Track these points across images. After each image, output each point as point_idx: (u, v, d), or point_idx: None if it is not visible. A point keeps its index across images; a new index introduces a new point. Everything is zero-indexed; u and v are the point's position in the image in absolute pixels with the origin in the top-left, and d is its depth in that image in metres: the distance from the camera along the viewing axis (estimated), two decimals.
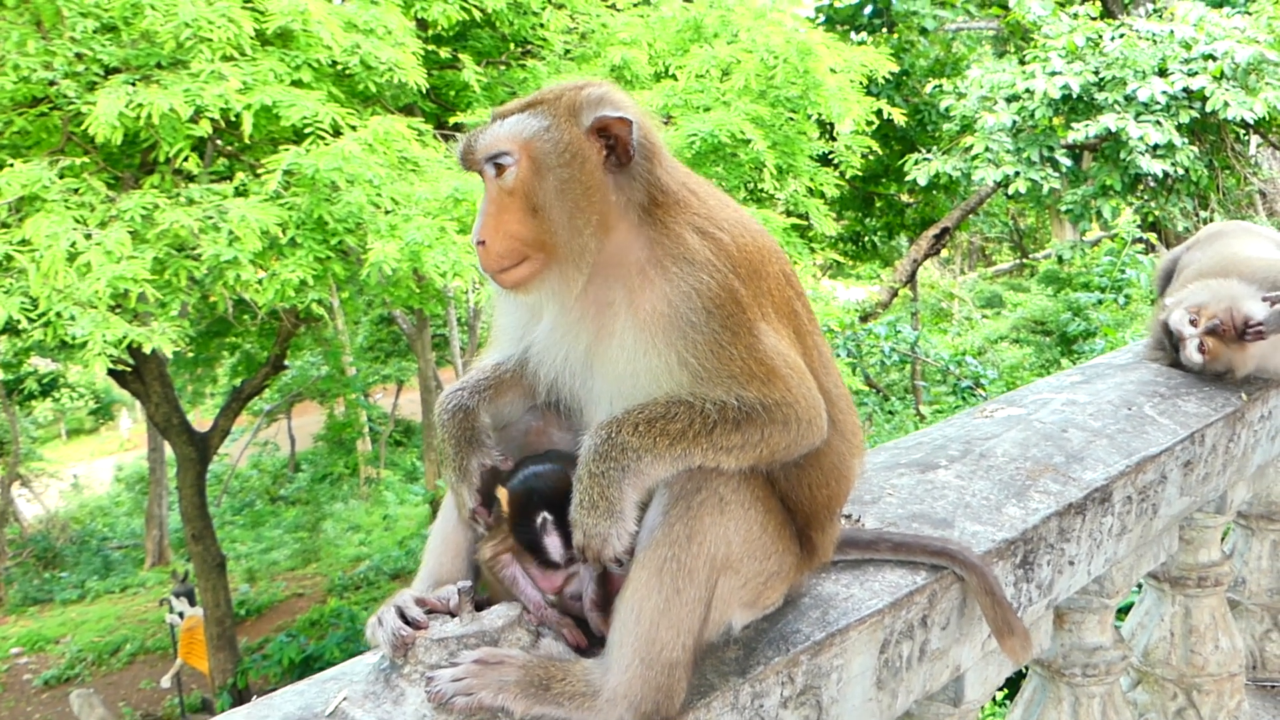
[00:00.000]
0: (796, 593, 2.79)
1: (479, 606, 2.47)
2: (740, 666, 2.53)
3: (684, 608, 2.34)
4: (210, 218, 10.67)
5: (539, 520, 2.43)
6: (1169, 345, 4.76)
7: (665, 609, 2.32)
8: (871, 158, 16.69)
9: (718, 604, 2.44)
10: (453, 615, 2.44)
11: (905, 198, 24.35)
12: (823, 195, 14.51)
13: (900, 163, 19.11)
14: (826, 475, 2.64)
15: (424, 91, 12.46)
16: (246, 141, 11.54)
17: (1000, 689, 5.70)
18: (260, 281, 10.87)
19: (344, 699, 2.33)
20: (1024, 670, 4.18)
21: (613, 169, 2.43)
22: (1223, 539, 4.92)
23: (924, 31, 22.56)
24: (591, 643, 2.48)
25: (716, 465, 2.38)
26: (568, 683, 2.32)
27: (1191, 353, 4.57)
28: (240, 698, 19.03)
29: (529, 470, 2.52)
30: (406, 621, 2.41)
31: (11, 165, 10.71)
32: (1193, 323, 4.58)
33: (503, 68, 14.25)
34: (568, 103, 2.43)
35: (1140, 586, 5.33)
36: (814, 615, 2.74)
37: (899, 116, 15.13)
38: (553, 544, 2.43)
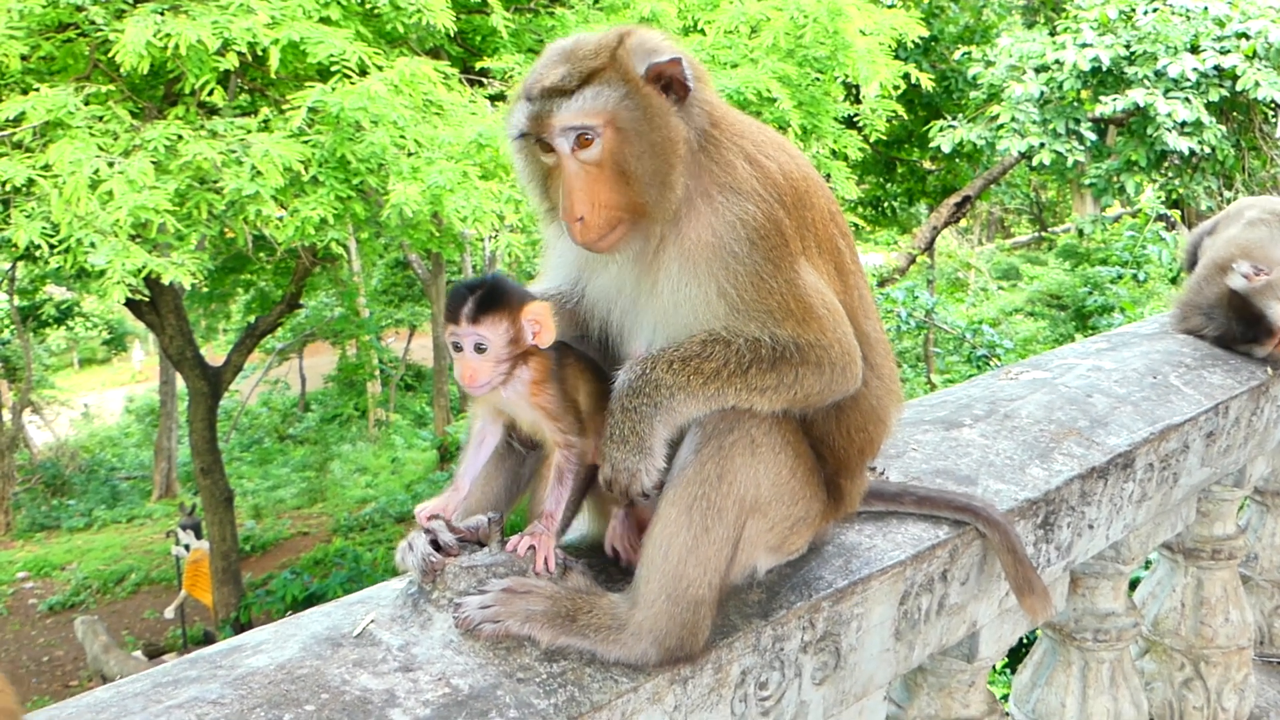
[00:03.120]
0: (821, 540, 2.80)
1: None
2: (763, 609, 2.55)
3: (712, 546, 2.36)
4: (233, 151, 10.66)
5: (474, 286, 2.44)
6: (1223, 315, 4.72)
7: (693, 547, 2.34)
8: (896, 122, 16.62)
9: (744, 546, 2.45)
10: (482, 544, 2.46)
11: (928, 164, 24.24)
12: (845, 158, 14.44)
13: (925, 129, 19.04)
14: (865, 419, 2.65)
15: (451, 35, 12.38)
16: (272, 77, 11.50)
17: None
18: (281, 218, 10.86)
19: (371, 621, 2.35)
20: (1027, 636, 4.20)
21: (674, 107, 2.41)
22: (1238, 513, 4.93)
23: None
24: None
25: (750, 406, 2.40)
26: (594, 615, 2.34)
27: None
28: (243, 632, 19.15)
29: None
30: (437, 548, 2.43)
31: (37, 90, 10.70)
32: None
33: (531, 14, 14.14)
34: (623, 61, 2.38)
35: (1148, 561, 5.35)
36: (837, 563, 2.76)
37: (926, 82, 15.03)
38: (475, 298, 2.40)
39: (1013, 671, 9.15)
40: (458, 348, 2.42)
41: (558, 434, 2.46)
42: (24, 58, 10.80)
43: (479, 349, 2.41)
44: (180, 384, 26.12)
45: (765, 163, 2.47)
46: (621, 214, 2.38)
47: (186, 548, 21.09)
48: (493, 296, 2.41)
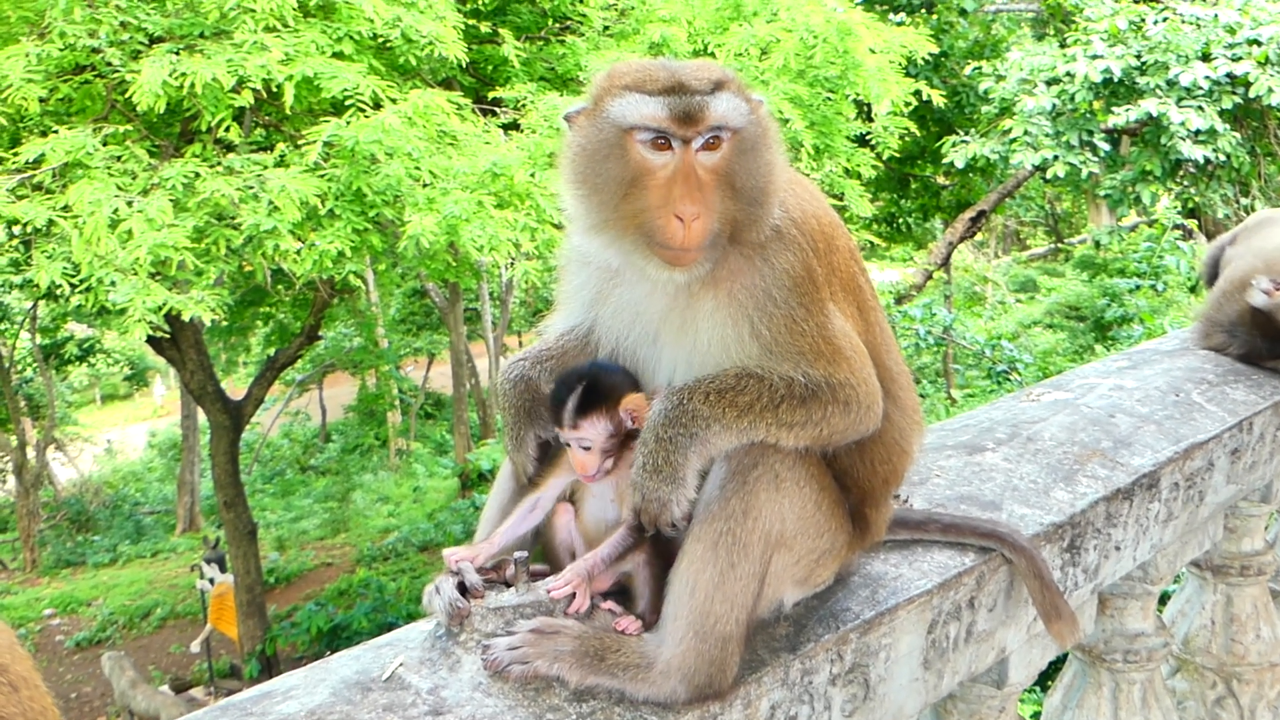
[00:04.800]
0: (847, 571, 2.80)
1: (534, 576, 2.49)
2: (791, 643, 2.54)
3: (738, 582, 2.36)
4: (250, 187, 10.73)
5: (578, 388, 2.48)
6: (1245, 332, 4.69)
7: (720, 583, 2.34)
8: (909, 139, 16.62)
9: (771, 580, 2.46)
10: (508, 585, 2.47)
11: (941, 180, 24.22)
12: (859, 176, 14.47)
13: (937, 145, 19.01)
14: (888, 450, 2.66)
15: (463, 66, 12.45)
16: (287, 112, 11.58)
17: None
18: (299, 252, 10.92)
19: (400, 665, 2.36)
20: (1058, 657, 4.18)
21: None
22: (1265, 528, 4.89)
23: (963, 13, 22.37)
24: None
25: (776, 441, 2.40)
26: (622, 654, 2.34)
27: None
28: (269, 664, 19.22)
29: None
30: (463, 591, 2.44)
31: (56, 132, 10.80)
32: None
33: (542, 43, 14.22)
34: (739, 83, 2.43)
35: (1178, 578, 5.31)
36: (864, 594, 2.76)
37: (937, 98, 15.06)
38: (571, 404, 2.46)
39: (1044, 689, 9.09)
40: (567, 443, 2.51)
41: (632, 530, 2.48)
42: (42, 100, 10.89)
43: (584, 447, 2.48)
44: (202, 418, 26.26)
45: (802, 209, 2.51)
46: (718, 227, 2.37)
47: (211, 581, 21.13)
48: (589, 399, 2.47)
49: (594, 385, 2.49)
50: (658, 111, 2.32)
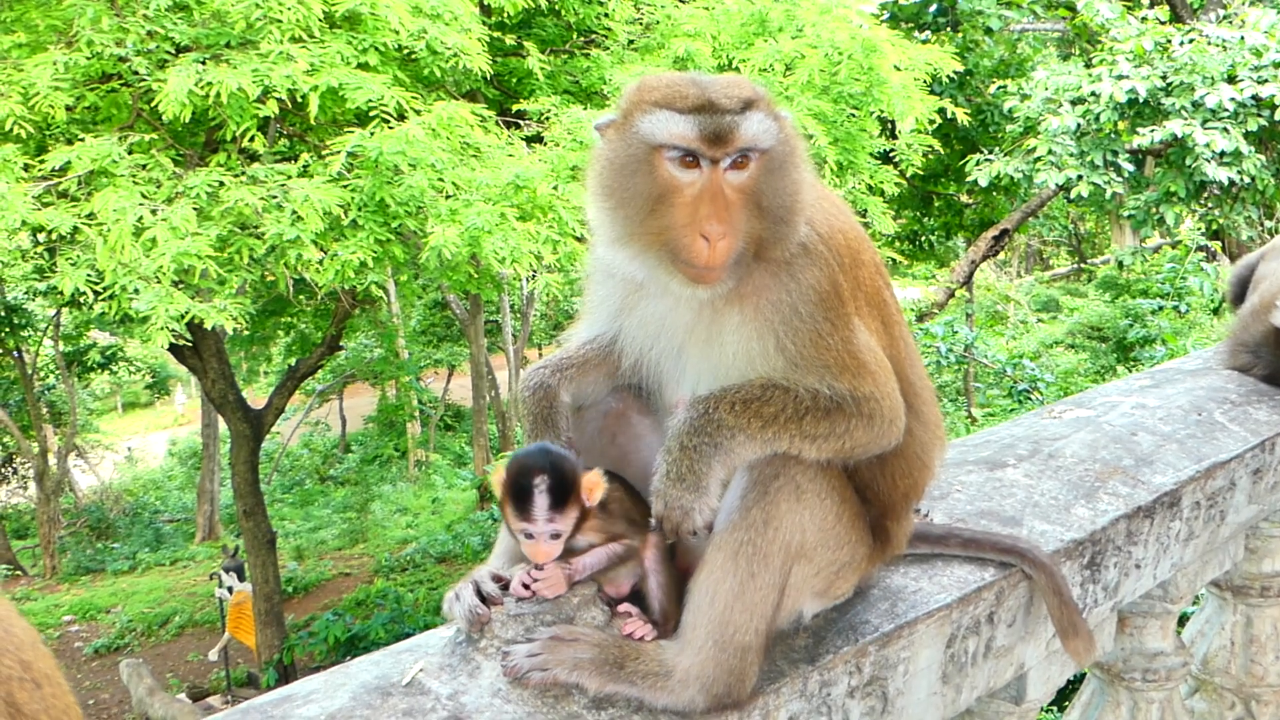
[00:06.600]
0: (866, 584, 2.80)
1: None
2: (810, 654, 2.54)
3: (758, 592, 2.36)
4: (274, 197, 10.77)
5: (538, 480, 2.38)
6: (1270, 353, 4.66)
7: (740, 592, 2.35)
8: (932, 157, 16.61)
9: (790, 591, 2.46)
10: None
11: (965, 198, 24.16)
12: (882, 193, 14.45)
13: (961, 163, 18.99)
14: (909, 464, 2.66)
15: (487, 78, 12.49)
16: (311, 123, 11.63)
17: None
18: (321, 262, 10.95)
19: (420, 670, 2.36)
20: (1076, 675, 4.16)
21: None
22: None
23: (989, 31, 22.34)
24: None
25: (799, 453, 2.41)
26: (641, 662, 2.35)
27: None
28: (286, 673, 19.22)
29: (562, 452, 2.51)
30: (482, 598, 2.45)
31: (82, 140, 10.86)
32: None
33: (566, 56, 14.26)
34: (769, 100, 2.42)
35: (1197, 598, 5.28)
36: (883, 607, 2.76)
37: (962, 116, 15.04)
38: (540, 502, 2.37)
39: (1060, 710, 9.04)
40: (529, 535, 2.42)
41: (624, 546, 2.48)
42: (69, 108, 10.97)
43: (554, 536, 2.42)
44: (222, 426, 26.29)
45: (829, 224, 2.52)
46: (743, 245, 2.37)
47: (230, 590, 21.17)
48: (561, 489, 2.38)
49: (560, 477, 2.40)
50: (687, 130, 2.32)
